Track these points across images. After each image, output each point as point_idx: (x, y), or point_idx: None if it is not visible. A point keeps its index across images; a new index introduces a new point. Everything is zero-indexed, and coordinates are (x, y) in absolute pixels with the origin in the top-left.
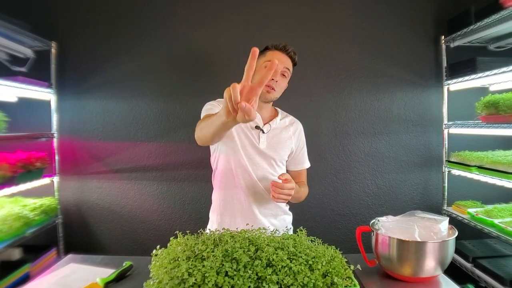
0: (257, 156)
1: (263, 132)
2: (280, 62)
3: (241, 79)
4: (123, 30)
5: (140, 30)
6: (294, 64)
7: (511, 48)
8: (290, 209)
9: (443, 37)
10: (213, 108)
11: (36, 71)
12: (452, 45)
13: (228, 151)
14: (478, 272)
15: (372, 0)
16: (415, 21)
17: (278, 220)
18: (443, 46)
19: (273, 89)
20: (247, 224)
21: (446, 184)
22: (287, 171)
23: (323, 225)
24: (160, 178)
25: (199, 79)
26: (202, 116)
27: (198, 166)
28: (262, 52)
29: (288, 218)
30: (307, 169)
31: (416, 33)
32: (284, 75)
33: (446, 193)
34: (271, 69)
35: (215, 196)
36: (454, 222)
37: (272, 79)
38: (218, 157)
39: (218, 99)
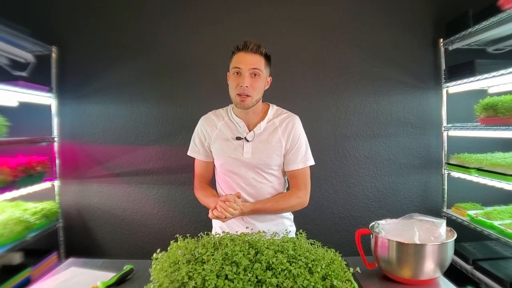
0: (241, 168)
1: (247, 140)
2: (245, 63)
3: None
4: (123, 34)
5: (140, 34)
6: (267, 57)
7: (510, 50)
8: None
9: (441, 39)
10: (197, 153)
11: (36, 76)
12: (450, 48)
13: (216, 165)
14: (478, 274)
15: (372, 3)
16: (414, 24)
17: (275, 225)
18: (442, 49)
19: (247, 95)
20: (247, 228)
21: (445, 186)
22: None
23: (323, 228)
24: (160, 181)
25: (200, 82)
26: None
27: None
28: (231, 56)
29: (288, 221)
30: (307, 172)
31: (415, 36)
32: (255, 75)
33: (445, 195)
34: None
35: None
36: (454, 224)
37: (241, 86)
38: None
39: (205, 118)
